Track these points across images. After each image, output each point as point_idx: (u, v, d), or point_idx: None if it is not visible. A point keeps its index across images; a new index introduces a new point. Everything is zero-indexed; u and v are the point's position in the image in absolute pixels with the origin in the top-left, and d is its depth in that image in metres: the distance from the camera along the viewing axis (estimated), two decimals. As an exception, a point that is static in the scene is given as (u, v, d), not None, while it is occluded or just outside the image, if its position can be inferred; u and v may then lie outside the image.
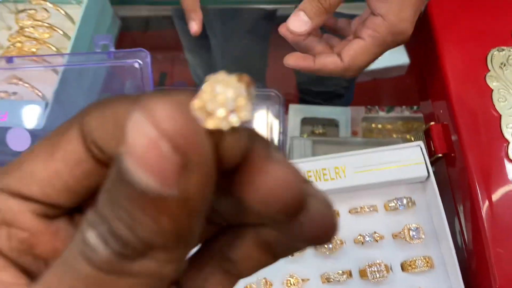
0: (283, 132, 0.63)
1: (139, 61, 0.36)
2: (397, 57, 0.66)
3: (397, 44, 0.39)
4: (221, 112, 0.12)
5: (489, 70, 0.40)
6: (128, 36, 0.66)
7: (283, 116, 0.64)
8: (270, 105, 0.65)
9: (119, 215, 0.12)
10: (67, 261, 0.12)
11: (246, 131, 0.13)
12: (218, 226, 0.17)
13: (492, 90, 0.39)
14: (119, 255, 0.12)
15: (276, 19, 0.77)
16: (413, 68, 0.52)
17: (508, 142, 0.37)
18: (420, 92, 0.50)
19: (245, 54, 0.87)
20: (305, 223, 0.14)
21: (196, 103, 0.12)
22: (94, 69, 0.43)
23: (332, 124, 0.66)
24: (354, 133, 0.67)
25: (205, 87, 0.12)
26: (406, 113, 0.68)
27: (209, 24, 0.74)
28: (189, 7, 0.53)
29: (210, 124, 0.12)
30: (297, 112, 0.66)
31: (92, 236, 0.12)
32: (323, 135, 0.67)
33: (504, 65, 0.40)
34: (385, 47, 0.39)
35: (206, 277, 0.16)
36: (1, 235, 0.15)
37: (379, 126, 0.70)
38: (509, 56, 0.40)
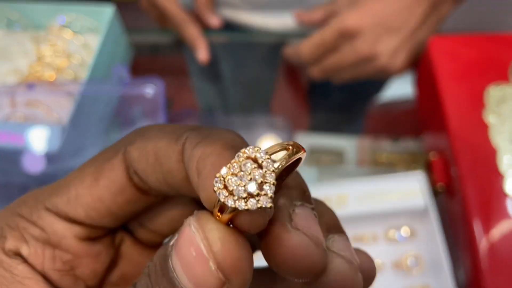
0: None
1: (152, 88, 0.39)
2: (404, 91, 0.69)
3: None
4: (241, 193, 0.13)
5: (486, 106, 0.41)
6: (136, 61, 0.69)
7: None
8: (277, 133, 0.67)
9: None
10: None
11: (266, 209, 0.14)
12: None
13: (489, 126, 0.40)
14: None
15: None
16: (418, 102, 0.54)
17: (503, 177, 0.38)
18: (422, 125, 0.52)
19: (255, 82, 0.89)
20: (327, 283, 0.15)
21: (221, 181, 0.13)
22: (111, 97, 0.46)
23: (339, 153, 0.68)
24: (361, 163, 0.68)
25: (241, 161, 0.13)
26: (412, 144, 0.70)
27: (221, 52, 0.76)
28: (192, 36, 0.55)
29: (227, 201, 0.13)
30: (304, 140, 0.67)
31: None
32: (329, 164, 0.69)
33: (501, 102, 0.41)
34: None
35: None
36: (46, 256, 0.16)
37: (385, 156, 0.72)
38: (505, 92, 0.42)
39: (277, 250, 0.14)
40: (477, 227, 0.37)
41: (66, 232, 0.16)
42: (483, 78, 0.43)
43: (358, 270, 0.15)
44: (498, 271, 0.35)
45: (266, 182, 0.13)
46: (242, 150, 0.13)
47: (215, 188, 0.13)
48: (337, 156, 0.68)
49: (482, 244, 0.36)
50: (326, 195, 0.40)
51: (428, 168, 0.44)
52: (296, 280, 0.15)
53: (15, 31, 0.60)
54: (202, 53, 0.56)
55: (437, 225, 0.39)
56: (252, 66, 0.83)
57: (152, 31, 0.71)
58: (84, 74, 0.51)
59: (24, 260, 0.15)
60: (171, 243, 0.13)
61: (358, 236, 0.40)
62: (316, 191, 0.41)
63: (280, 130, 0.69)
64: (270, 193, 0.13)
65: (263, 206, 0.13)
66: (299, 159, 0.14)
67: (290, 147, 0.14)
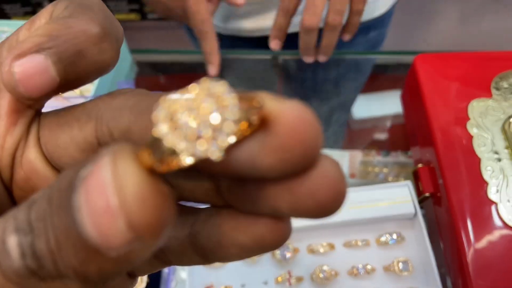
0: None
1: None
2: (393, 107, 0.72)
3: None
4: (190, 132, 0.10)
5: (469, 119, 0.44)
6: (141, 80, 0.72)
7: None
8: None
9: (49, 237, 0.11)
10: None
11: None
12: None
13: (472, 137, 0.43)
14: (30, 272, 0.11)
15: (282, 66, 0.83)
16: (405, 116, 0.57)
17: (487, 184, 0.40)
18: (410, 139, 0.54)
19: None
20: (318, 181, 0.12)
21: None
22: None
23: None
24: (352, 176, 0.70)
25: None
26: (401, 157, 0.73)
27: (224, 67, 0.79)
28: (210, 50, 0.57)
29: (166, 139, 0.10)
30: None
31: (12, 242, 0.11)
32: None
33: (483, 114, 0.44)
34: None
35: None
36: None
37: (376, 169, 0.74)
38: (488, 106, 0.45)
39: (281, 124, 0.12)
40: (463, 232, 0.39)
41: None
42: (467, 93, 0.46)
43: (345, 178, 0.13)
44: (484, 275, 0.38)
45: (223, 130, 0.10)
46: (204, 78, 0.11)
47: (153, 116, 0.11)
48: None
49: (468, 248, 0.38)
50: (320, 203, 0.43)
51: (416, 178, 0.46)
52: (276, 177, 0.12)
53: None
54: (214, 70, 0.58)
55: (425, 231, 0.41)
56: (248, 84, 0.85)
57: (155, 51, 0.74)
58: (90, 91, 0.53)
59: None
60: (83, 173, 0.11)
61: (350, 242, 0.43)
62: (311, 199, 0.43)
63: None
64: (225, 144, 0.10)
65: (212, 157, 0.10)
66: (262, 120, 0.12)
67: (259, 101, 0.11)
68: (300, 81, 0.82)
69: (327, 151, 0.71)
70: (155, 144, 0.10)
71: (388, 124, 0.82)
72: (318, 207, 0.13)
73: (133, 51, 0.63)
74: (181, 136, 0.10)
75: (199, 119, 0.10)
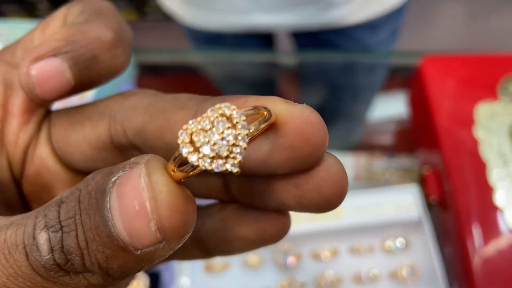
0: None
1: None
2: (397, 108, 0.71)
3: None
4: (208, 151, 0.12)
5: (476, 122, 0.43)
6: (142, 80, 0.71)
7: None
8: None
9: (78, 234, 0.12)
10: (12, 242, 0.12)
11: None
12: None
13: (478, 141, 0.42)
14: (57, 266, 0.12)
15: (279, 68, 0.83)
16: (411, 119, 0.56)
17: (493, 189, 0.40)
18: (416, 141, 0.54)
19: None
20: (323, 177, 0.14)
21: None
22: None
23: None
24: (357, 179, 0.70)
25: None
26: (406, 160, 0.72)
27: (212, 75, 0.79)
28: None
29: (190, 157, 0.12)
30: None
31: (42, 238, 0.12)
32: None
33: (490, 118, 0.43)
34: None
35: None
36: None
37: (381, 172, 0.74)
38: (494, 109, 0.44)
39: (289, 125, 0.13)
40: (469, 238, 0.38)
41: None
42: (473, 96, 0.45)
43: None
44: (490, 281, 0.37)
45: (237, 145, 0.12)
46: (217, 106, 0.12)
47: (179, 141, 0.12)
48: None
49: (474, 254, 0.38)
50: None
51: (422, 182, 0.45)
52: (286, 173, 0.14)
53: (23, 51, 0.62)
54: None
55: (431, 237, 0.41)
56: (242, 89, 0.85)
57: (156, 51, 0.74)
58: (91, 92, 0.53)
59: None
60: (113, 178, 0.12)
61: (354, 247, 0.42)
62: (314, 204, 0.43)
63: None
64: (239, 158, 0.12)
65: (229, 170, 0.12)
66: (271, 125, 0.13)
67: (265, 112, 0.13)
68: (318, 82, 0.82)
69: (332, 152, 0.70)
70: (179, 159, 0.12)
71: (393, 126, 0.81)
72: (322, 201, 0.14)
73: (134, 50, 0.62)
74: (201, 155, 0.12)
75: (215, 139, 0.12)
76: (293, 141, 0.13)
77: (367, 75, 0.78)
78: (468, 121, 0.44)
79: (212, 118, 0.12)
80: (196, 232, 0.16)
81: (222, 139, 0.12)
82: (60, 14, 0.17)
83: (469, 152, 0.42)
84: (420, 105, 0.49)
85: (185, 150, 0.12)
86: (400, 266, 0.40)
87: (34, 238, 0.12)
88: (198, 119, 0.12)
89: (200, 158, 0.12)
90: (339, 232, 0.43)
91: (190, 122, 0.12)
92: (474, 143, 0.42)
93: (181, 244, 0.13)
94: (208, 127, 0.12)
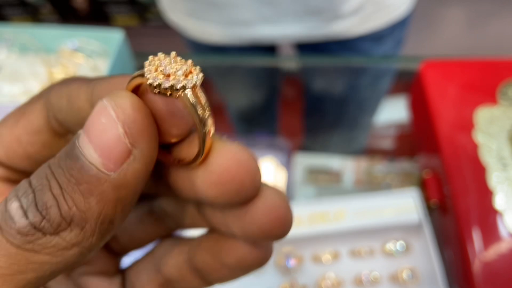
0: (289, 180, 0.66)
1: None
2: (398, 113, 0.71)
3: None
4: (179, 73, 0.13)
5: (475, 126, 0.44)
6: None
7: (289, 164, 0.67)
8: (276, 153, 0.69)
9: (51, 185, 0.13)
10: None
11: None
12: (164, 231, 0.18)
13: (478, 145, 0.43)
14: (33, 227, 0.12)
15: (282, 73, 0.83)
16: (412, 124, 0.56)
17: (493, 193, 0.40)
18: (416, 146, 0.54)
19: (250, 107, 0.92)
20: (259, 210, 0.14)
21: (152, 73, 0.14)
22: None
23: (336, 173, 0.70)
24: (357, 182, 0.70)
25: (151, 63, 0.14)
26: (406, 165, 0.72)
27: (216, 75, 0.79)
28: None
29: (156, 79, 0.13)
30: (303, 161, 0.70)
31: (13, 207, 0.12)
32: (327, 183, 0.71)
33: (489, 122, 0.44)
34: None
35: (142, 285, 0.18)
36: None
37: (381, 176, 0.74)
38: (494, 113, 0.44)
39: (215, 163, 0.14)
40: (469, 241, 0.39)
41: None
42: (473, 101, 0.46)
43: (290, 205, 0.15)
44: (490, 284, 0.37)
45: (194, 71, 0.14)
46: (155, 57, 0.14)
47: (145, 69, 0.14)
48: (335, 176, 0.70)
49: (474, 257, 0.38)
50: (323, 210, 0.42)
51: (422, 186, 0.46)
52: (224, 206, 0.15)
53: (27, 55, 0.62)
54: None
55: (431, 240, 0.41)
56: (243, 92, 0.86)
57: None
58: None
59: None
60: (78, 136, 0.13)
61: (355, 250, 0.42)
62: (314, 207, 0.43)
63: (279, 151, 0.71)
64: (200, 73, 0.14)
65: (195, 80, 0.14)
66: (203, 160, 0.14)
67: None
68: (322, 91, 0.82)
69: (332, 157, 0.71)
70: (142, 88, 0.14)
71: (394, 130, 0.82)
72: (262, 233, 0.15)
73: (136, 54, 0.63)
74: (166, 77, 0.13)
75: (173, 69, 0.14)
76: (217, 179, 0.14)
77: (371, 86, 0.78)
78: (468, 126, 0.44)
79: (162, 61, 0.14)
80: (191, 262, 0.17)
81: (178, 70, 0.13)
82: (37, 105, 0.16)
83: (469, 156, 0.42)
84: (421, 110, 0.50)
85: (151, 75, 0.13)
86: (401, 269, 0.40)
87: (6, 210, 0.12)
88: (149, 60, 0.14)
89: (171, 79, 0.13)
90: (340, 235, 0.43)
91: (147, 62, 0.14)
92: (474, 147, 0.43)
93: (152, 159, 0.13)
94: (163, 66, 0.14)
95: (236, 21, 0.66)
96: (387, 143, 0.84)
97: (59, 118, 0.16)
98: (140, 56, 0.66)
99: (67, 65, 0.58)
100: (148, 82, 0.13)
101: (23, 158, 0.16)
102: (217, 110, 0.93)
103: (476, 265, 0.37)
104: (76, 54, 0.59)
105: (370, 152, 0.78)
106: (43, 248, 0.12)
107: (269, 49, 0.76)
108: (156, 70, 0.14)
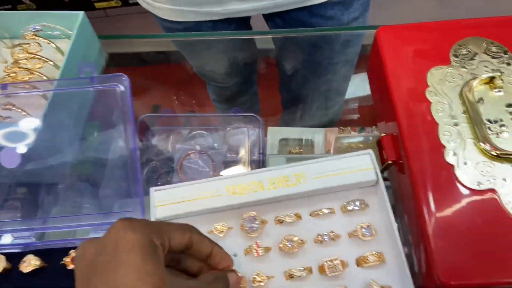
0: (262, 152, 0.67)
1: (120, 85, 0.41)
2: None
3: None
4: None
5: (428, 86, 0.45)
6: (114, 70, 0.72)
7: (262, 137, 0.68)
8: (250, 128, 0.70)
9: None
10: None
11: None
12: None
13: (431, 103, 0.44)
14: None
15: (257, 50, 0.84)
16: (371, 88, 0.58)
17: (444, 147, 0.41)
18: (376, 112, 0.55)
19: (228, 85, 0.92)
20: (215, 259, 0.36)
21: None
22: (81, 95, 0.48)
23: (308, 144, 0.71)
24: (329, 152, 0.72)
25: None
26: (376, 133, 0.74)
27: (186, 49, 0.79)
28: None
29: None
30: (275, 133, 0.71)
31: None
32: (299, 154, 0.72)
33: (442, 81, 0.45)
34: None
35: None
36: None
37: (352, 145, 0.75)
38: (446, 73, 0.46)
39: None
40: (422, 194, 0.40)
41: None
42: (427, 62, 0.47)
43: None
44: (443, 235, 0.39)
45: None
46: None
47: None
48: (307, 147, 0.72)
49: (428, 210, 0.39)
50: (285, 175, 0.44)
51: (380, 147, 0.47)
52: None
53: (-10, 39, 0.62)
54: None
55: (386, 197, 0.42)
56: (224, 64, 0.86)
57: (125, 36, 0.74)
58: (56, 76, 0.53)
59: None
60: None
61: (315, 211, 0.44)
62: (276, 172, 0.44)
63: (253, 125, 0.71)
64: None
65: None
66: None
67: None
68: (296, 62, 0.83)
69: (304, 129, 0.72)
70: None
71: (363, 102, 0.83)
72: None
73: (101, 37, 0.63)
74: None
75: None
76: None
77: (343, 50, 0.79)
78: (421, 86, 0.45)
79: None
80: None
81: None
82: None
83: (422, 115, 0.44)
84: (378, 75, 0.51)
85: None
86: (358, 226, 0.42)
87: None
88: None
89: None
90: (301, 198, 0.45)
91: None
92: (427, 105, 0.44)
93: None
94: None
95: (210, 1, 0.67)
96: (357, 115, 0.86)
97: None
98: (106, 38, 0.66)
99: (29, 49, 0.58)
100: None
101: None
102: (197, 90, 0.93)
103: (428, 217, 0.39)
104: (38, 37, 0.59)
105: (342, 124, 0.80)
106: None
107: (241, 23, 0.76)
108: None
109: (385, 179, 0.48)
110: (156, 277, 0.27)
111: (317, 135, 0.72)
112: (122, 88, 0.42)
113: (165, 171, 0.68)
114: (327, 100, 0.89)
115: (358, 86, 0.86)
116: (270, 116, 0.93)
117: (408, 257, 0.41)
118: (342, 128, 0.75)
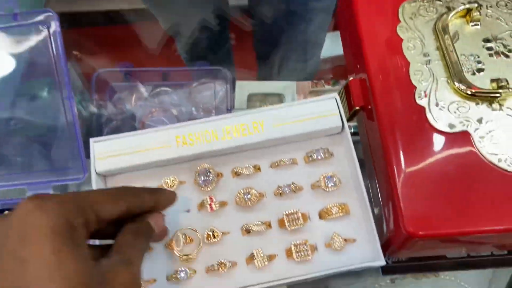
0: (230, 109, 0.63)
1: (47, 21, 0.36)
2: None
3: None
4: None
5: (400, 22, 0.41)
6: (82, 32, 0.66)
7: (230, 93, 0.64)
8: (218, 82, 0.66)
9: None
10: None
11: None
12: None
13: (402, 40, 0.40)
14: None
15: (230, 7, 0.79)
16: (340, 31, 0.53)
17: (415, 88, 0.38)
18: (347, 60, 0.51)
19: (198, 37, 0.88)
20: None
21: None
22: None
23: (279, 96, 0.67)
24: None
25: None
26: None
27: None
28: None
29: None
30: (244, 88, 0.66)
31: None
32: (269, 105, 0.68)
33: (415, 15, 0.41)
34: None
35: None
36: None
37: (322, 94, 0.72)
38: (419, 6, 0.41)
39: None
40: (390, 139, 0.36)
41: None
42: (399, -4, 0.42)
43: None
44: (410, 182, 0.35)
45: None
46: None
47: None
48: (277, 98, 0.68)
49: (395, 155, 0.36)
50: (241, 122, 0.39)
51: (347, 92, 0.43)
52: None
53: None
54: None
55: (352, 145, 0.39)
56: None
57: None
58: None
59: None
60: None
61: (276, 162, 0.40)
62: (232, 119, 0.40)
63: (221, 80, 0.67)
64: None
65: None
66: None
67: None
68: (271, 11, 0.79)
69: (274, 83, 0.68)
70: None
71: (337, 61, 0.80)
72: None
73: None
74: None
75: None
76: None
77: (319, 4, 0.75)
78: (392, 22, 0.41)
79: None
80: None
81: None
82: None
83: (392, 53, 0.39)
84: (346, 14, 0.46)
85: None
86: (321, 176, 0.38)
87: None
88: None
89: None
90: (261, 148, 0.41)
91: None
92: (398, 43, 0.40)
93: None
94: None
95: None
96: (331, 70, 0.83)
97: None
98: None
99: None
100: None
101: None
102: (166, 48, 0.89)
103: (396, 163, 0.35)
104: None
105: (316, 78, 0.76)
106: None
107: None
108: None
109: (354, 134, 0.44)
110: (72, 272, 0.23)
111: (288, 89, 0.68)
112: (53, 27, 0.37)
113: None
114: (304, 53, 0.85)
115: (334, 45, 0.83)
116: (245, 75, 0.88)
117: (378, 218, 0.38)
118: (315, 81, 0.71)
